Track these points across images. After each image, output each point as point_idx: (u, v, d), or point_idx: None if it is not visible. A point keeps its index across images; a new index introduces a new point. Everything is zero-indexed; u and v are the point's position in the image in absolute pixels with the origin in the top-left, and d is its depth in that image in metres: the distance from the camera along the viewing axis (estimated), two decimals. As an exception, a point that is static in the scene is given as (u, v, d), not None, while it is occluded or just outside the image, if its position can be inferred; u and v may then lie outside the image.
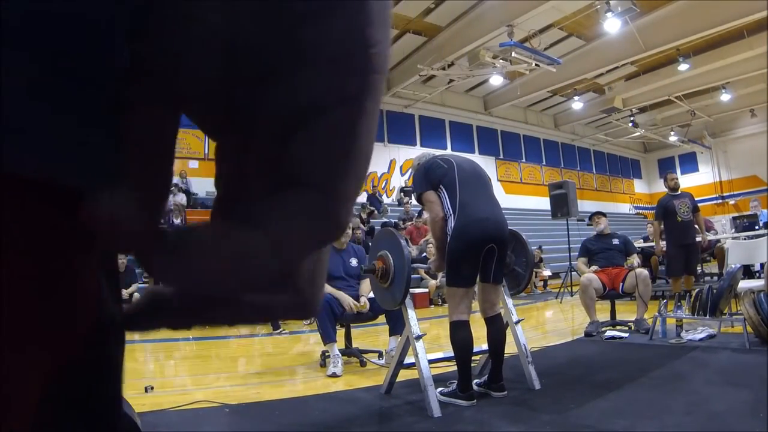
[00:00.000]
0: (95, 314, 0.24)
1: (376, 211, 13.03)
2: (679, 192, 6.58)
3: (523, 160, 18.93)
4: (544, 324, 6.63)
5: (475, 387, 2.95)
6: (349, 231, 5.32)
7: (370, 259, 3.27)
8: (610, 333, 4.81)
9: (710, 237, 8.89)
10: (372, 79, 0.20)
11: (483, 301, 3.05)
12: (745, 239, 7.59)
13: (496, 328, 3.02)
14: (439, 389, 2.91)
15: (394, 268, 2.98)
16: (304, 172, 0.20)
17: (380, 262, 3.06)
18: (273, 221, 0.21)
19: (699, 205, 6.69)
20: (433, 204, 2.94)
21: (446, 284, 3.02)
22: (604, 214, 5.78)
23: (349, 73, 0.19)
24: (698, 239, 6.59)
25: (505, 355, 3.05)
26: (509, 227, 3.10)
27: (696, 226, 6.57)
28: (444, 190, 2.95)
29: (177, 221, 8.93)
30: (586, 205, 15.89)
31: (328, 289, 3.99)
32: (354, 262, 4.22)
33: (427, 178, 3.00)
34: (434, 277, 8.92)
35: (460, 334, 2.84)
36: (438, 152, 3.43)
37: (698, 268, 8.26)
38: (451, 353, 2.96)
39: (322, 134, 0.20)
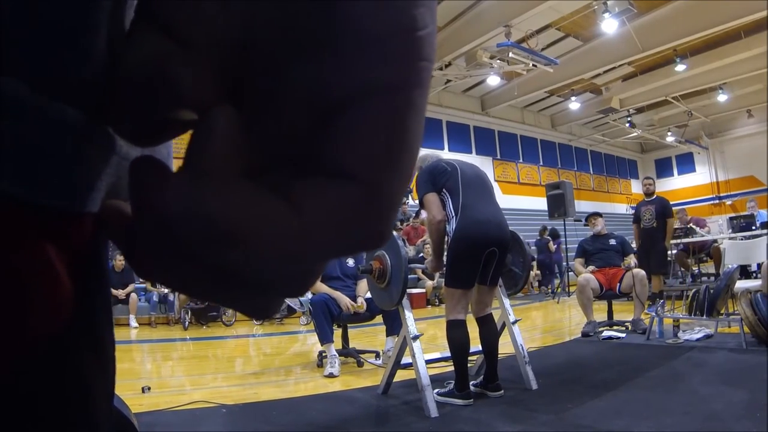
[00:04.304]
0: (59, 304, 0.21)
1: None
2: (654, 197, 6.81)
3: (520, 161, 18.91)
4: (541, 324, 6.63)
5: (471, 387, 2.95)
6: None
7: (367, 259, 3.28)
8: (607, 333, 4.82)
9: (707, 237, 8.93)
10: (420, 67, 0.18)
11: (477, 303, 3.07)
12: (742, 239, 7.61)
13: (488, 327, 3.05)
14: (436, 389, 2.91)
15: (391, 268, 2.98)
16: (340, 161, 0.17)
17: (377, 262, 3.06)
18: (307, 204, 0.17)
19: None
20: (433, 205, 2.94)
21: (444, 284, 3.01)
22: (600, 215, 5.80)
23: (393, 58, 0.17)
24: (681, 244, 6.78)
25: (502, 355, 3.06)
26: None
27: (673, 230, 6.90)
28: (447, 193, 2.95)
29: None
30: (583, 206, 15.89)
31: (325, 289, 3.99)
32: (351, 262, 4.21)
33: (431, 180, 3.00)
34: (431, 278, 8.92)
35: (456, 333, 2.86)
36: (436, 153, 3.42)
37: (680, 271, 8.30)
38: (448, 353, 2.97)
39: (363, 124, 0.17)
